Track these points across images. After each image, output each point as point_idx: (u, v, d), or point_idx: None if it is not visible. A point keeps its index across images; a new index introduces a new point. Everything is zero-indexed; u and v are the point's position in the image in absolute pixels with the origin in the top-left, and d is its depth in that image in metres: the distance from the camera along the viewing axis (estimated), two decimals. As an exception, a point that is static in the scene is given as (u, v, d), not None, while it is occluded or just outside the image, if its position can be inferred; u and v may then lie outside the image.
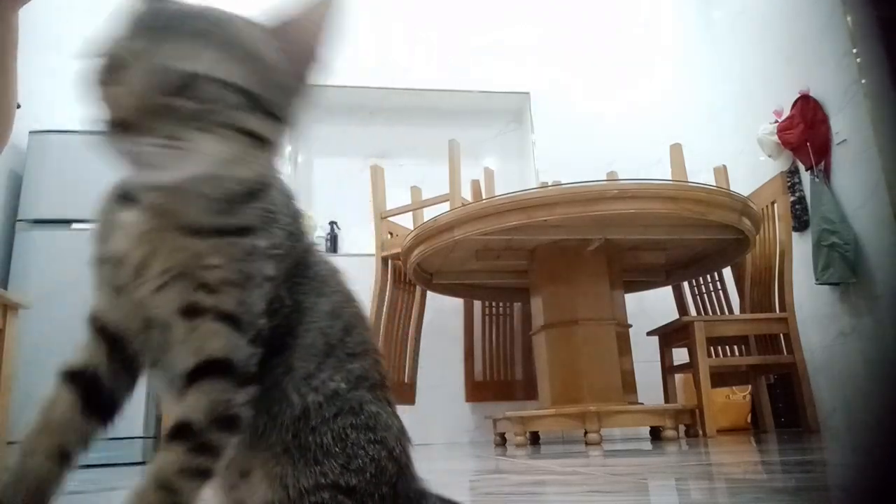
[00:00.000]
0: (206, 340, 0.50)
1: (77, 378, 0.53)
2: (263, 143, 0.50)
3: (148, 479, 0.47)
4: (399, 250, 3.12)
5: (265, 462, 0.54)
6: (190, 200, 0.51)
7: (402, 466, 0.58)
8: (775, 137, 3.73)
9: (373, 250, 3.48)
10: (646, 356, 3.36)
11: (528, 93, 4.48)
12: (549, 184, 3.41)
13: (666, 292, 3.61)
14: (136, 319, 0.53)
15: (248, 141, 0.49)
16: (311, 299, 0.58)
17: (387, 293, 3.36)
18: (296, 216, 0.59)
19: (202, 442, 0.48)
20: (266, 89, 0.49)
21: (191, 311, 0.50)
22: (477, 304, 3.76)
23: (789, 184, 3.50)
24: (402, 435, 0.60)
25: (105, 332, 0.54)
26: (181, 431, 0.48)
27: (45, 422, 0.51)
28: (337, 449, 0.54)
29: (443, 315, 3.83)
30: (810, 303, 3.50)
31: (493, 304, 3.79)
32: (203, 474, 0.49)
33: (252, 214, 0.53)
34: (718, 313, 3.38)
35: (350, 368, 0.58)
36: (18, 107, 1.17)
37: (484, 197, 3.54)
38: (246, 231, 0.53)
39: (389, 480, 0.56)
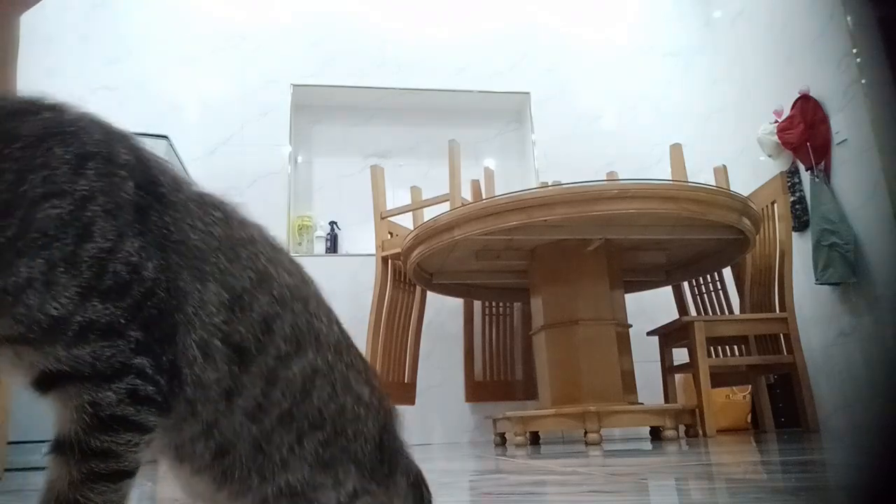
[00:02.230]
0: (14, 355, 0.42)
1: (63, 446, 0.50)
2: None
3: (44, 496, 0.42)
4: (399, 250, 3.12)
5: None
6: None
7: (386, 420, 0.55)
8: (775, 137, 3.73)
9: (373, 250, 3.48)
10: (646, 356, 3.36)
11: (528, 93, 4.48)
12: (549, 184, 3.41)
13: (666, 292, 3.61)
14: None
15: None
16: (185, 276, 0.45)
17: (387, 293, 3.36)
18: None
19: (86, 449, 0.41)
20: None
21: None
22: (477, 304, 3.76)
23: (789, 184, 3.49)
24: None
25: None
26: (58, 446, 0.42)
27: (48, 499, 0.48)
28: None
29: (443, 315, 3.83)
30: (810, 303, 3.51)
31: (493, 304, 3.78)
32: (110, 477, 0.42)
33: None
34: (718, 313, 3.38)
35: (289, 377, 0.48)
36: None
37: (484, 197, 3.54)
38: None
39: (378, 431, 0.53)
